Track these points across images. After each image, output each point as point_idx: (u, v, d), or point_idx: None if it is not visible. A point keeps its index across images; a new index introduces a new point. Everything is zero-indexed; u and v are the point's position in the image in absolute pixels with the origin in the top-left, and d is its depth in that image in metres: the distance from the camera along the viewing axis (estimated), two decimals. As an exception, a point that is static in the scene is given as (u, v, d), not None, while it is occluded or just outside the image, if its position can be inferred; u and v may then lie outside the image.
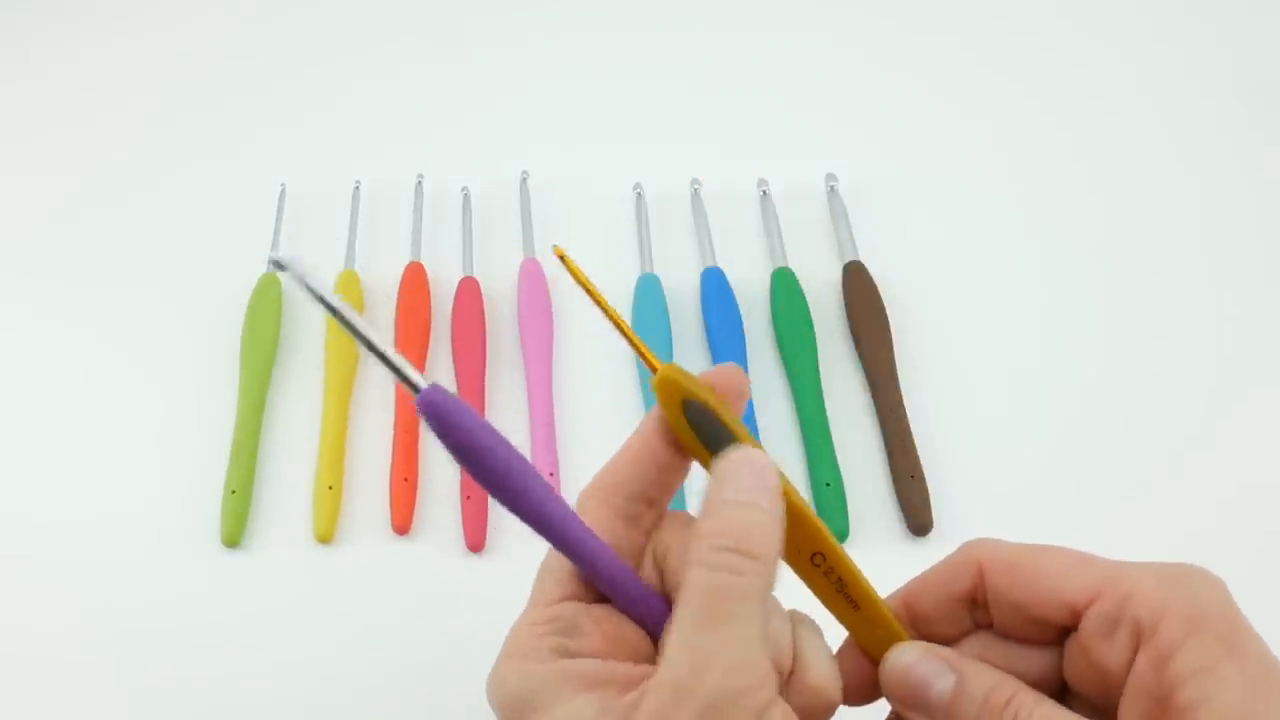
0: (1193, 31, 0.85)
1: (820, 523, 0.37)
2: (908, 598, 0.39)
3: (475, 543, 0.59)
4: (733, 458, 0.35)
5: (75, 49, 0.84)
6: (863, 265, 0.69)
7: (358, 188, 0.73)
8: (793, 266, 0.69)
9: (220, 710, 0.54)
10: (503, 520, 0.60)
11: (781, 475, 0.35)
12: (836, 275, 0.69)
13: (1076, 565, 0.36)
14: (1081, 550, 0.37)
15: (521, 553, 0.59)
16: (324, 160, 0.76)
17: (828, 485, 0.60)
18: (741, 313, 0.67)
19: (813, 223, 0.73)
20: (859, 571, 0.38)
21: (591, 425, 0.64)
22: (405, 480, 0.60)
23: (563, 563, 0.37)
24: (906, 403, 0.63)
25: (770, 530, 0.34)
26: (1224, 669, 0.33)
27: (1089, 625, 0.35)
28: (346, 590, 0.58)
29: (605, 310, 0.37)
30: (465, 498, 0.59)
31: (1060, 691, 0.37)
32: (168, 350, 0.66)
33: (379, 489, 0.61)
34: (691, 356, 0.66)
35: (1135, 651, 0.34)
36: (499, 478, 0.34)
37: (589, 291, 0.37)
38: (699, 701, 0.31)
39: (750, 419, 0.62)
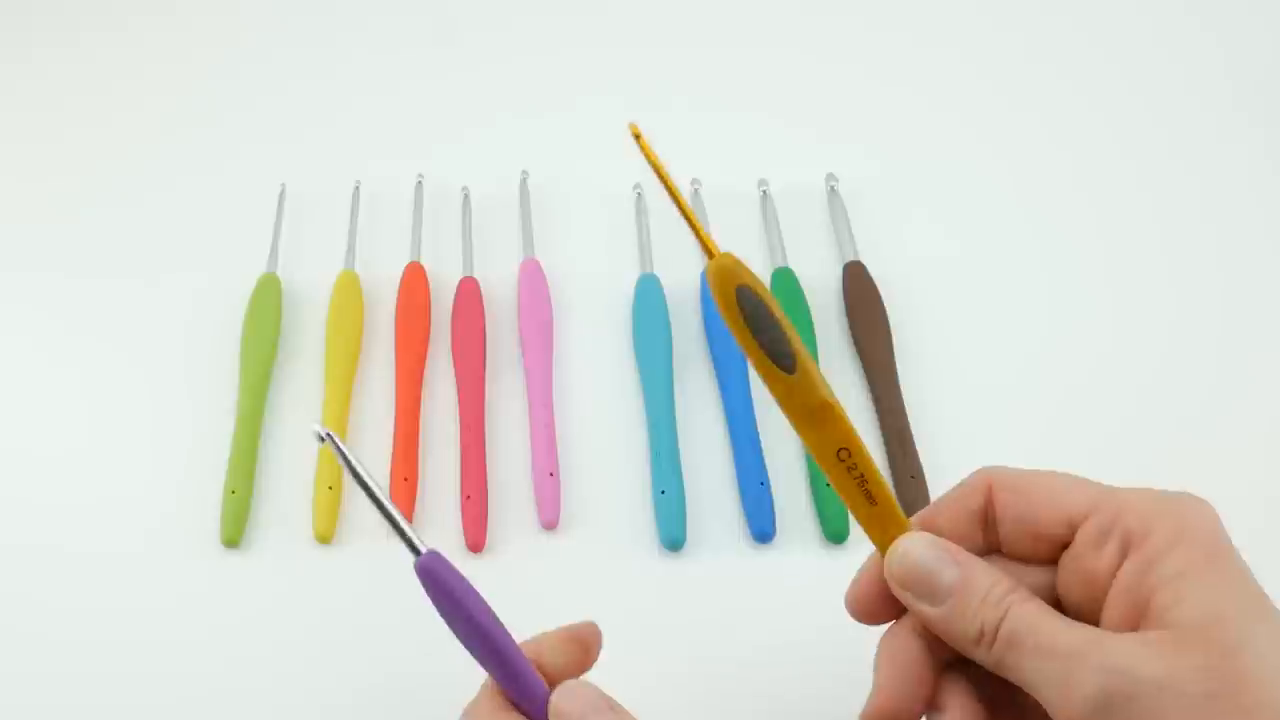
0: (1191, 31, 0.85)
1: (848, 420, 0.40)
2: (925, 517, 0.41)
3: (475, 543, 0.59)
4: (563, 689, 0.41)
5: (76, 51, 0.84)
6: (863, 265, 0.69)
7: (358, 188, 0.73)
8: (793, 266, 0.69)
9: (220, 710, 0.54)
10: (503, 520, 0.60)
11: (812, 369, 0.39)
12: (836, 275, 0.69)
13: (1076, 485, 0.39)
14: (1083, 477, 0.40)
15: (522, 553, 0.59)
16: (324, 160, 0.76)
17: (828, 485, 0.60)
18: (741, 313, 0.67)
19: (813, 223, 0.73)
20: (877, 470, 0.41)
21: (591, 425, 0.64)
22: (405, 480, 0.60)
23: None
24: (906, 403, 0.63)
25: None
26: (1201, 575, 0.36)
27: (1083, 536, 0.38)
28: (346, 590, 0.58)
29: (672, 194, 0.40)
30: (465, 498, 0.59)
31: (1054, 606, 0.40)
32: (168, 350, 0.66)
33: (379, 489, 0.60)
34: (692, 356, 0.66)
35: (1123, 559, 0.37)
36: (478, 642, 0.41)
37: (659, 173, 0.40)
38: None
39: (750, 419, 0.63)
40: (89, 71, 0.82)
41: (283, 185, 0.73)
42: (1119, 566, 0.37)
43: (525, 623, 0.56)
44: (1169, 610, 0.35)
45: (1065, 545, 0.39)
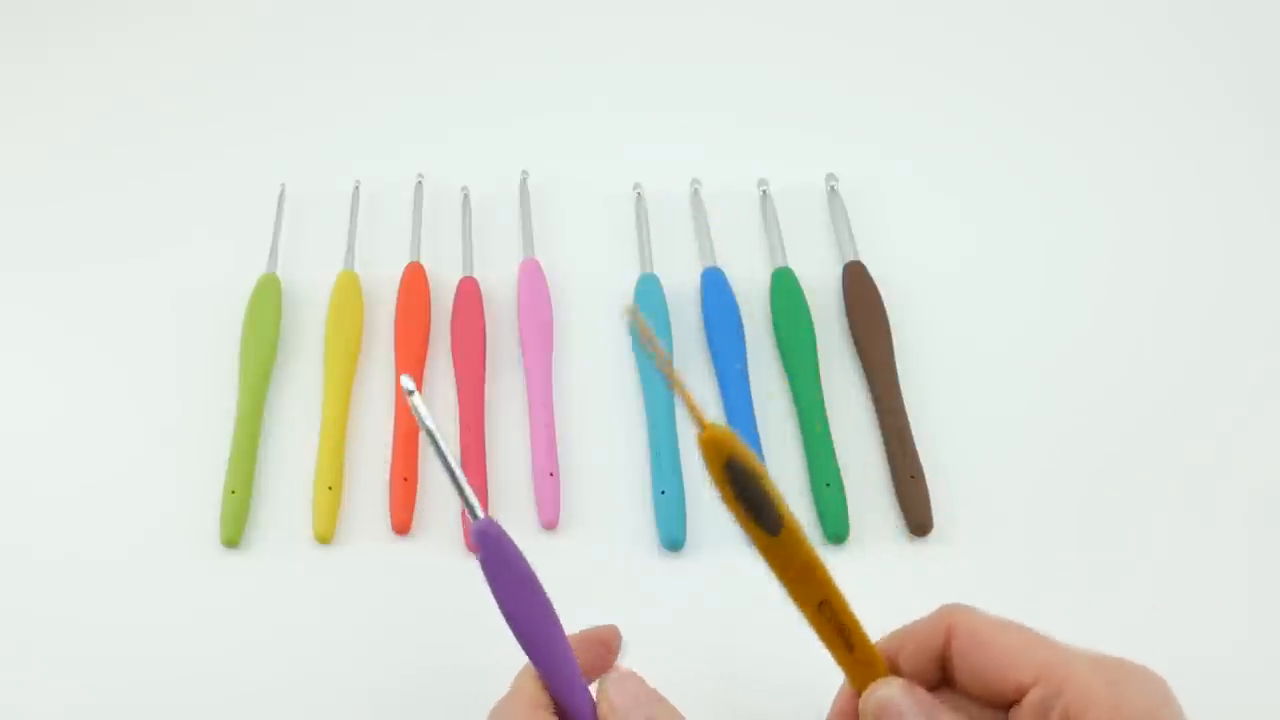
0: (1191, 31, 0.85)
1: (828, 575, 0.41)
2: (888, 648, 0.43)
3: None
4: (612, 681, 0.42)
5: (76, 51, 0.84)
6: (863, 265, 0.69)
7: (358, 188, 0.73)
8: (793, 266, 0.69)
9: (220, 710, 0.54)
10: (502, 520, 0.60)
11: (794, 524, 0.40)
12: (836, 275, 0.69)
13: (1030, 647, 0.40)
14: (1040, 634, 0.41)
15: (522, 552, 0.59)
16: (324, 160, 0.76)
17: (828, 485, 0.60)
18: (741, 313, 0.67)
19: (813, 223, 0.73)
20: (857, 619, 0.42)
21: (591, 425, 0.64)
22: (405, 480, 0.60)
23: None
24: (906, 403, 0.63)
25: None
26: None
27: (1028, 703, 0.39)
28: (346, 590, 0.58)
29: (668, 373, 0.41)
30: (465, 498, 0.59)
31: None
32: (168, 350, 0.66)
33: (379, 489, 0.61)
34: (692, 356, 0.66)
35: None
36: (526, 619, 0.41)
37: (652, 344, 0.42)
38: None
39: (750, 419, 0.62)
40: (89, 71, 0.82)
41: (283, 185, 0.73)
42: None
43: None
44: None
45: (1013, 702, 0.40)
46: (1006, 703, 0.40)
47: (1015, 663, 0.40)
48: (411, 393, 0.40)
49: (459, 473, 0.40)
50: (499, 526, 0.40)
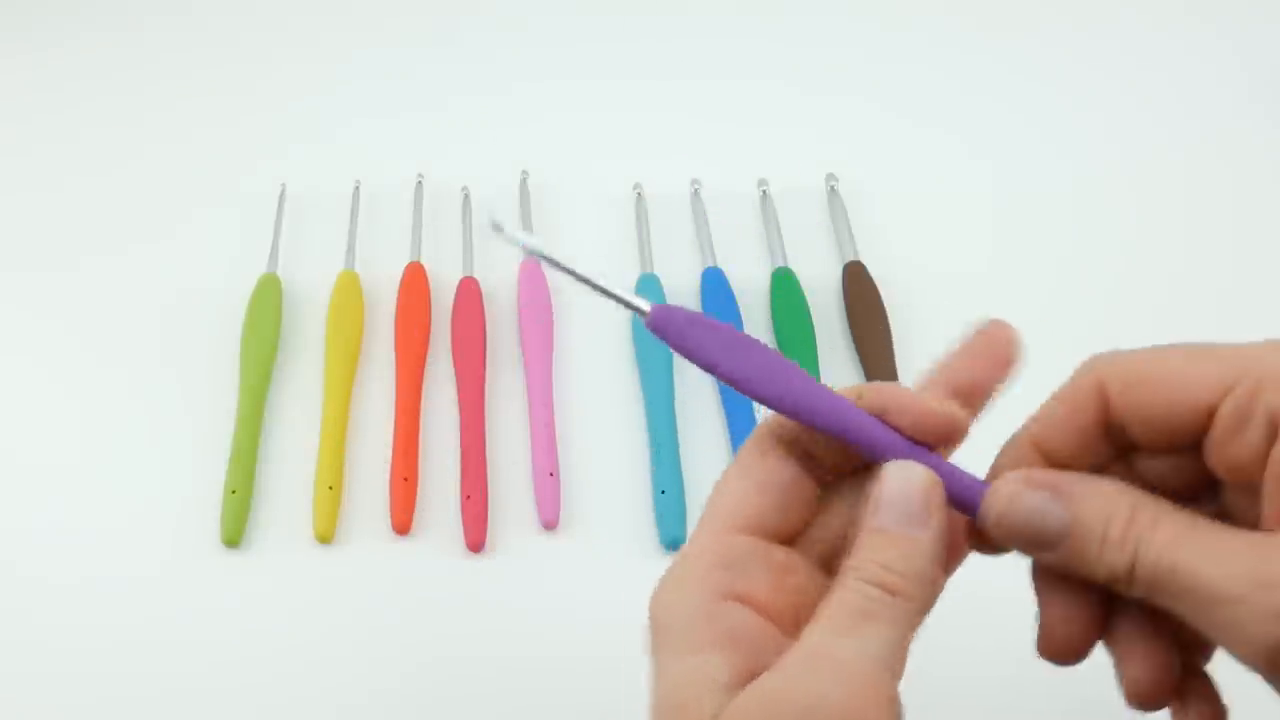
0: (1189, 32, 0.85)
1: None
2: (1036, 440, 0.35)
3: (475, 543, 0.59)
4: (894, 475, 0.33)
5: (75, 50, 0.84)
6: (863, 265, 0.69)
7: (358, 188, 0.73)
8: (793, 266, 0.69)
9: (220, 710, 0.54)
10: (503, 520, 0.60)
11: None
12: (836, 275, 0.69)
13: (1201, 359, 0.33)
14: (1204, 343, 0.34)
15: (522, 553, 0.59)
16: (324, 160, 0.76)
17: (828, 485, 0.60)
18: (741, 313, 0.67)
19: (813, 223, 0.73)
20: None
21: (591, 425, 0.64)
22: (405, 480, 0.60)
23: (738, 489, 0.35)
24: (906, 403, 0.63)
25: (924, 567, 0.32)
26: None
27: (1221, 422, 0.32)
28: (346, 590, 0.58)
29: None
30: (465, 497, 0.59)
31: (1211, 487, 0.34)
32: (168, 350, 0.66)
33: (379, 489, 0.60)
34: (691, 356, 0.66)
35: (1271, 443, 0.31)
36: (733, 384, 0.35)
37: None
38: (800, 701, 0.30)
39: (750, 419, 0.62)
40: (89, 72, 0.82)
41: (283, 185, 0.73)
42: (1268, 451, 0.31)
43: (525, 623, 0.56)
44: None
45: (1204, 432, 0.32)
46: (1196, 437, 0.32)
47: (1191, 386, 0.32)
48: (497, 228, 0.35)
49: (602, 283, 0.36)
50: (666, 310, 0.35)
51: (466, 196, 0.73)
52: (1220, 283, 0.71)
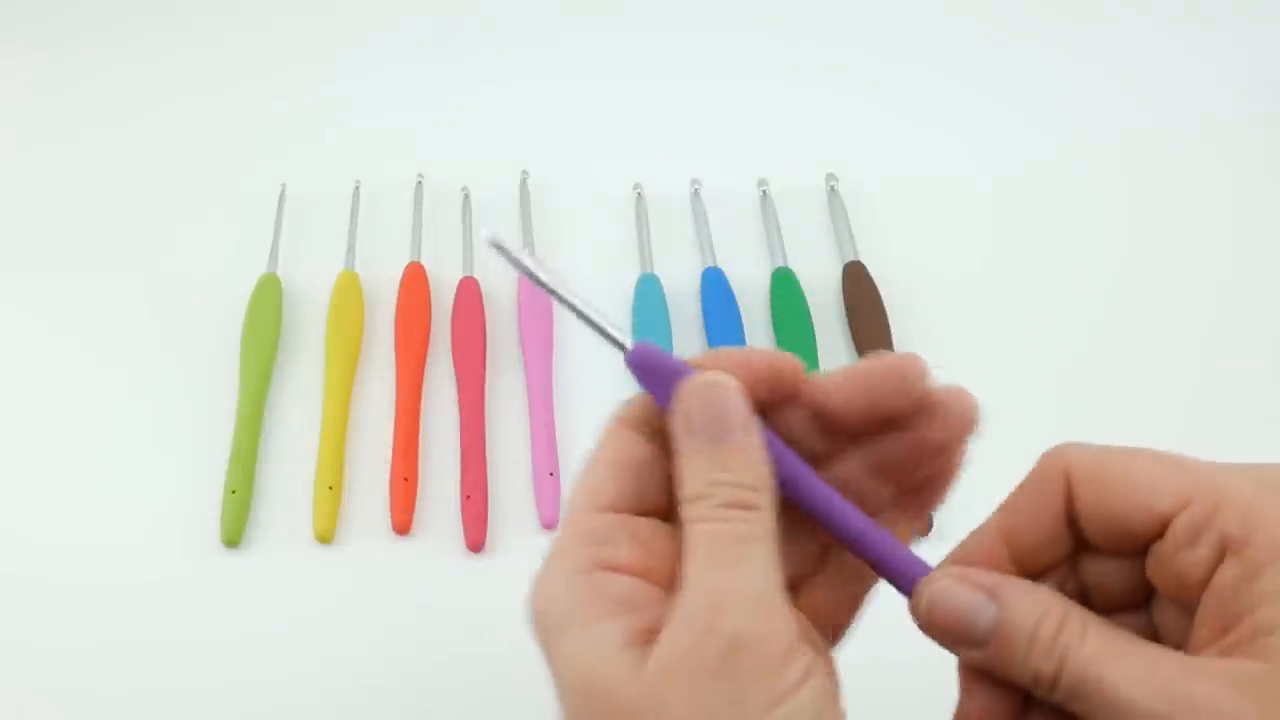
0: (1188, 31, 0.85)
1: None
2: (1004, 529, 0.35)
3: (475, 543, 0.59)
4: (698, 388, 0.33)
5: (74, 50, 0.84)
6: (863, 265, 0.69)
7: (358, 188, 0.73)
8: (793, 266, 0.69)
9: (220, 710, 0.54)
10: (503, 520, 0.60)
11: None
12: (836, 275, 0.69)
13: (1167, 470, 0.33)
14: (1174, 453, 0.34)
15: (522, 553, 0.59)
16: (324, 160, 0.76)
17: (828, 485, 0.60)
18: (741, 313, 0.67)
19: (813, 223, 0.73)
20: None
21: (591, 425, 0.63)
22: (405, 480, 0.60)
23: (596, 473, 0.35)
24: (906, 403, 0.63)
25: (765, 471, 0.32)
26: None
27: (1174, 532, 0.32)
28: (346, 590, 0.58)
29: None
30: (465, 497, 0.59)
31: (1148, 597, 0.34)
32: (168, 350, 0.66)
33: (379, 489, 0.61)
34: (691, 357, 0.66)
35: (1218, 562, 0.31)
36: None
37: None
38: (720, 640, 0.29)
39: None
40: (89, 72, 0.82)
41: (283, 185, 0.73)
42: (1214, 569, 0.31)
43: (525, 623, 0.56)
44: (1273, 635, 0.29)
45: (1155, 539, 0.32)
46: (1147, 543, 0.32)
47: (1153, 488, 0.32)
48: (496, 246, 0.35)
49: (589, 312, 0.36)
50: (651, 350, 0.35)
51: (466, 196, 0.73)
52: (1220, 284, 0.71)
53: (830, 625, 0.36)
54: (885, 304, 0.67)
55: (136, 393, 0.65)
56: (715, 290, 0.68)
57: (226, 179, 0.75)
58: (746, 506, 0.31)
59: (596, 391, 0.65)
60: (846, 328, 0.67)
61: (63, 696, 0.54)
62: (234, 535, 0.59)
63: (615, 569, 0.33)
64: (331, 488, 0.60)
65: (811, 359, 0.65)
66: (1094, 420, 0.64)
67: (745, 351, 0.35)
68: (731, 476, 0.32)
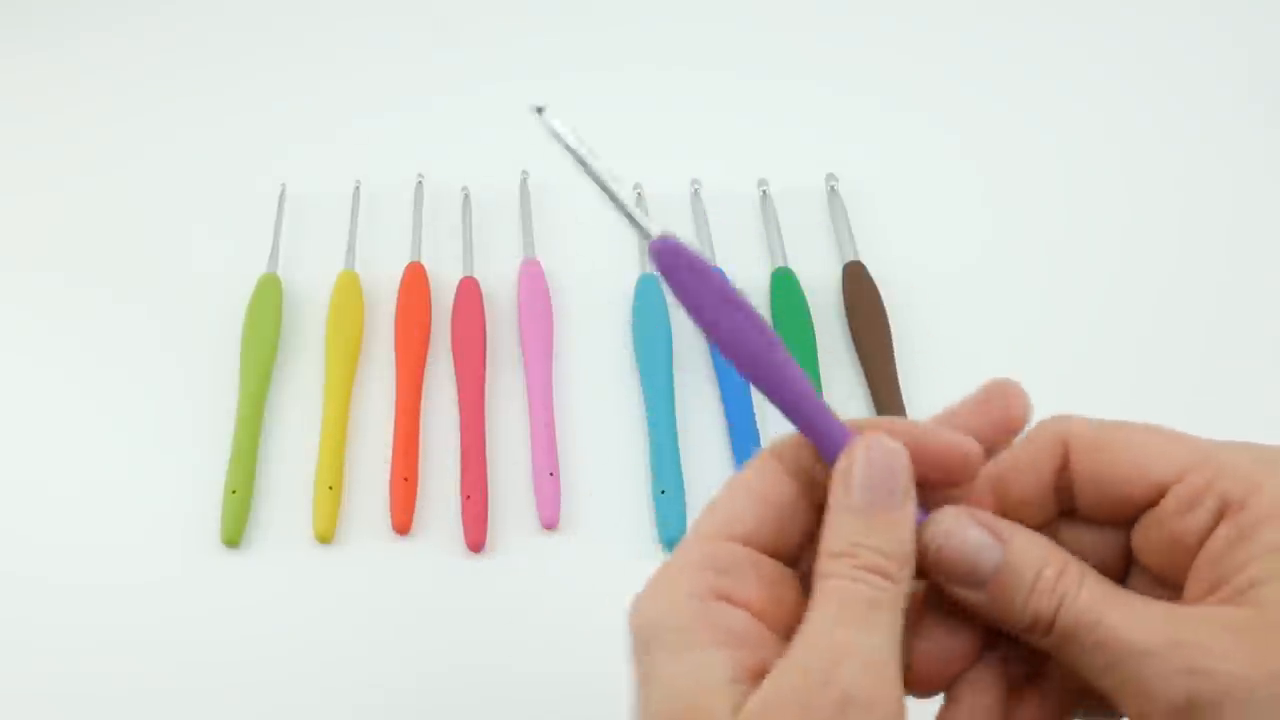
0: (1186, 31, 0.85)
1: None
2: (996, 483, 0.35)
3: (475, 543, 0.59)
4: (870, 449, 0.33)
5: (74, 50, 0.84)
6: (863, 265, 0.69)
7: (358, 188, 0.73)
8: (793, 266, 0.69)
9: (220, 709, 0.54)
10: (503, 520, 0.60)
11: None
12: (836, 275, 0.69)
13: (1168, 443, 0.33)
14: (1175, 430, 0.34)
15: (522, 553, 0.59)
16: (324, 160, 0.76)
17: (828, 485, 0.60)
18: (741, 313, 0.67)
19: (813, 223, 0.73)
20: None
21: (591, 425, 0.64)
22: (405, 480, 0.60)
23: (735, 501, 0.34)
24: (906, 403, 0.63)
25: (911, 547, 0.32)
26: None
27: (1172, 499, 0.32)
28: (346, 590, 0.58)
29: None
30: (465, 497, 0.59)
31: (1125, 571, 0.35)
32: (168, 350, 0.66)
33: (379, 489, 0.61)
34: (692, 356, 0.66)
35: (1215, 524, 0.32)
36: (714, 334, 0.34)
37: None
38: (834, 693, 0.29)
39: (750, 419, 0.62)
40: (90, 72, 0.82)
41: (283, 185, 0.73)
42: (1210, 532, 0.32)
43: (525, 623, 0.56)
44: (1264, 586, 0.30)
45: (1149, 507, 0.33)
46: (1139, 510, 0.33)
47: (1154, 462, 0.33)
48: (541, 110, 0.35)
49: (617, 192, 0.36)
50: (675, 242, 0.35)
51: (466, 196, 0.73)
52: (1221, 286, 0.71)
53: None
54: (885, 304, 0.67)
55: (137, 393, 0.65)
56: (715, 290, 0.68)
57: (226, 179, 0.75)
58: (885, 575, 0.31)
59: (596, 391, 0.66)
60: (846, 328, 0.67)
61: (62, 696, 0.54)
62: (234, 535, 0.59)
63: (733, 602, 0.32)
64: (331, 488, 0.60)
65: (812, 359, 0.65)
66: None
67: (924, 430, 0.35)
68: (876, 542, 0.32)
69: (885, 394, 0.64)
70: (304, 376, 0.65)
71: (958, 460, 0.34)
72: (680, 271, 0.34)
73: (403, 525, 0.59)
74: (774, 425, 0.63)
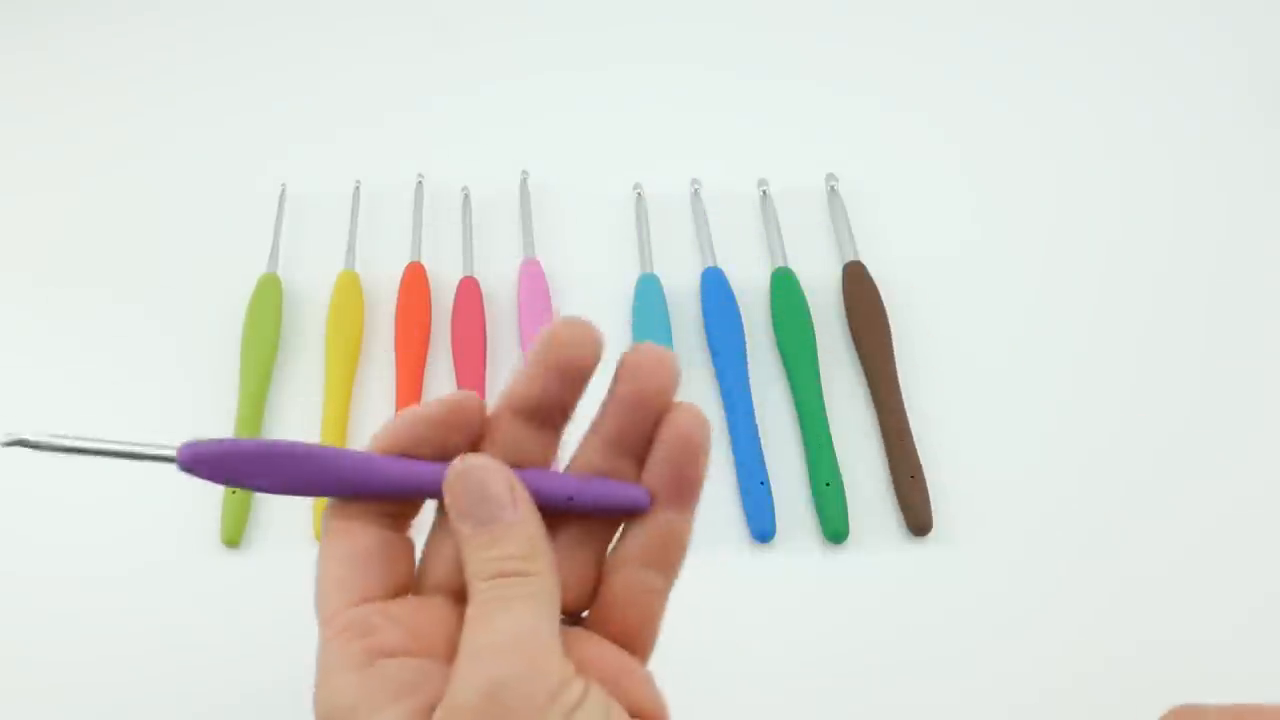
0: (1185, 31, 0.85)
1: None
2: None
3: (475, 543, 0.59)
4: (461, 476, 0.33)
5: (74, 50, 0.84)
6: (862, 265, 0.69)
7: (358, 188, 0.73)
8: (793, 266, 0.69)
9: (220, 709, 0.54)
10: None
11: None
12: (836, 275, 0.69)
13: None
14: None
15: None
16: (324, 160, 0.76)
17: (827, 485, 0.60)
18: (741, 313, 0.67)
19: (813, 223, 0.73)
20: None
21: (589, 424, 0.64)
22: (405, 480, 0.60)
23: (333, 573, 0.34)
24: (906, 403, 0.63)
25: (534, 541, 0.33)
26: None
27: None
28: (346, 590, 0.58)
29: None
30: (465, 498, 0.59)
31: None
32: (168, 350, 0.67)
33: (379, 489, 0.60)
34: (692, 356, 0.66)
35: None
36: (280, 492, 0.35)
37: None
38: (480, 686, 0.30)
39: (750, 419, 0.62)
40: (90, 72, 0.82)
41: (283, 185, 0.73)
42: None
43: None
44: None
45: None
46: None
47: None
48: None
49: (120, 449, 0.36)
50: (192, 447, 0.34)
51: (466, 196, 0.73)
52: (1222, 282, 0.71)
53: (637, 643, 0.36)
54: (885, 304, 0.67)
55: (137, 392, 0.65)
56: (715, 290, 0.68)
57: (226, 179, 0.75)
58: (519, 574, 0.33)
59: (595, 391, 0.65)
60: (846, 328, 0.67)
61: (62, 696, 0.54)
62: (234, 535, 0.59)
63: (393, 654, 0.33)
64: (331, 488, 0.60)
65: (811, 359, 0.65)
66: (1094, 418, 0.64)
67: (418, 410, 0.35)
68: (500, 551, 0.33)
69: (885, 394, 0.64)
70: (304, 376, 0.65)
71: (466, 409, 0.34)
72: (207, 465, 0.34)
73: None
74: (774, 424, 0.63)
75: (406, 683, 0.32)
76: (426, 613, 0.34)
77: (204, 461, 0.34)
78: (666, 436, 0.35)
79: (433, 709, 0.31)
